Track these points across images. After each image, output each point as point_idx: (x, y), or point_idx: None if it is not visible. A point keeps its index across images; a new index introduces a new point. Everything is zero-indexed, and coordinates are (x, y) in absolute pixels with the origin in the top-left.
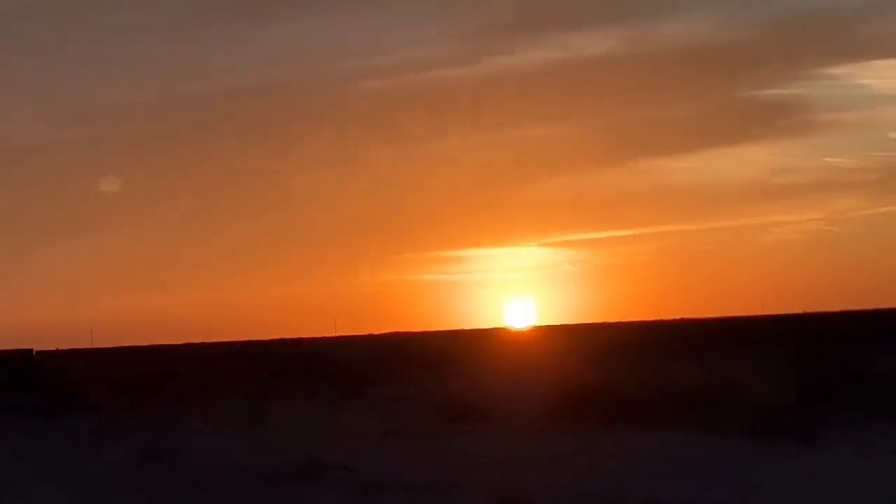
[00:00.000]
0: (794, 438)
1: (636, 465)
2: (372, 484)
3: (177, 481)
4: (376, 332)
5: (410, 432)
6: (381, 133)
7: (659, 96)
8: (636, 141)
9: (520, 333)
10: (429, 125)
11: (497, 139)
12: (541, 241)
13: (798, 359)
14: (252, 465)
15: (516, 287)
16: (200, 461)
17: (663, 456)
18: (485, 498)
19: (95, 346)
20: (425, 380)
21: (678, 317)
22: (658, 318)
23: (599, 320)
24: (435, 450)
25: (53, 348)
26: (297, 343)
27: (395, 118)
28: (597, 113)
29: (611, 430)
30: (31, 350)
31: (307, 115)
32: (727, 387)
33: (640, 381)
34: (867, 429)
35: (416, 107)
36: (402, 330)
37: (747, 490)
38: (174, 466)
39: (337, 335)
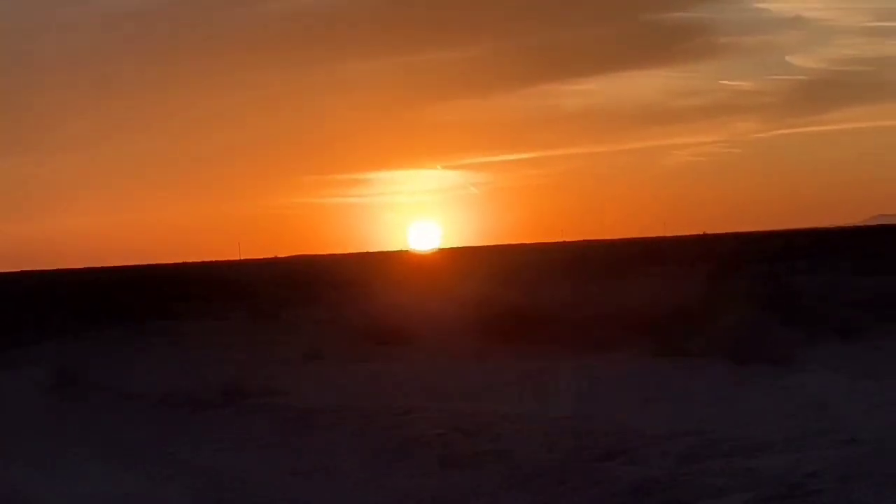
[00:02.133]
0: (769, 361)
1: (597, 391)
2: (304, 410)
3: (95, 408)
4: (281, 254)
5: (334, 356)
6: (285, 56)
7: (562, 19)
8: (539, 64)
9: (425, 256)
10: (333, 48)
11: (401, 62)
12: (445, 163)
13: (731, 280)
14: (171, 391)
15: (420, 209)
16: (117, 387)
17: (623, 380)
18: (442, 427)
19: None
20: (340, 302)
21: (581, 238)
22: (561, 239)
23: (503, 242)
24: (365, 374)
25: None
26: (202, 266)
27: (299, 41)
28: (501, 36)
29: (557, 352)
30: None
31: (214, 38)
32: (678, 308)
33: (567, 302)
34: (837, 349)
35: (321, 29)
36: (307, 252)
37: (731, 414)
38: (89, 393)
39: (241, 258)
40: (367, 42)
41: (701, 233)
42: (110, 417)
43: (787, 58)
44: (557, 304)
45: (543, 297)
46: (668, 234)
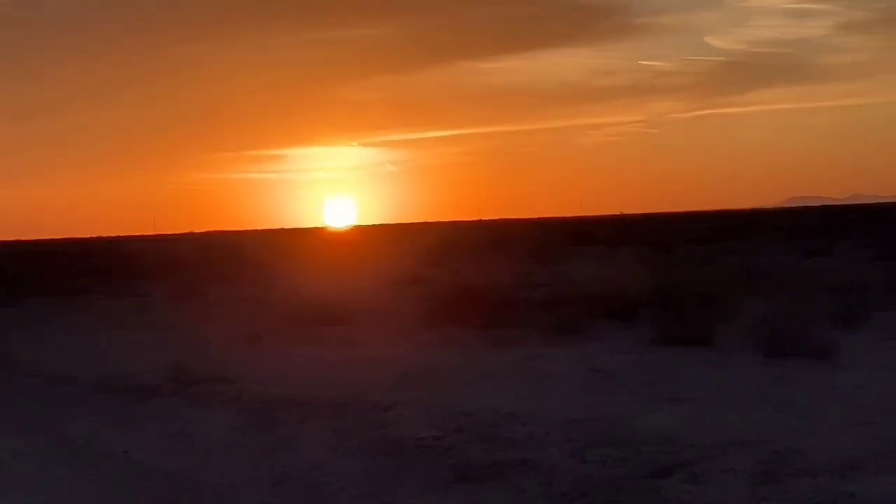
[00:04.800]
0: (807, 355)
1: (606, 386)
2: (265, 401)
3: (18, 395)
4: (196, 230)
5: (275, 337)
6: (201, 31)
7: None
8: (459, 42)
9: (343, 233)
10: (251, 23)
11: (320, 38)
12: (362, 140)
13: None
14: (107, 375)
15: (337, 186)
16: (42, 369)
17: (631, 373)
18: (438, 427)
19: None
20: (265, 280)
21: (499, 217)
22: (479, 218)
23: (421, 220)
24: (318, 359)
25: None
26: (115, 240)
27: (216, 16)
28: (422, 13)
29: (537, 338)
30: None
31: (129, 14)
32: (653, 291)
33: (516, 282)
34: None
35: (239, 5)
36: (223, 228)
37: (785, 420)
38: (11, 377)
39: (156, 233)
40: (286, 17)
41: (619, 213)
42: (40, 405)
43: (706, 38)
44: (505, 283)
45: (485, 277)
46: (586, 213)
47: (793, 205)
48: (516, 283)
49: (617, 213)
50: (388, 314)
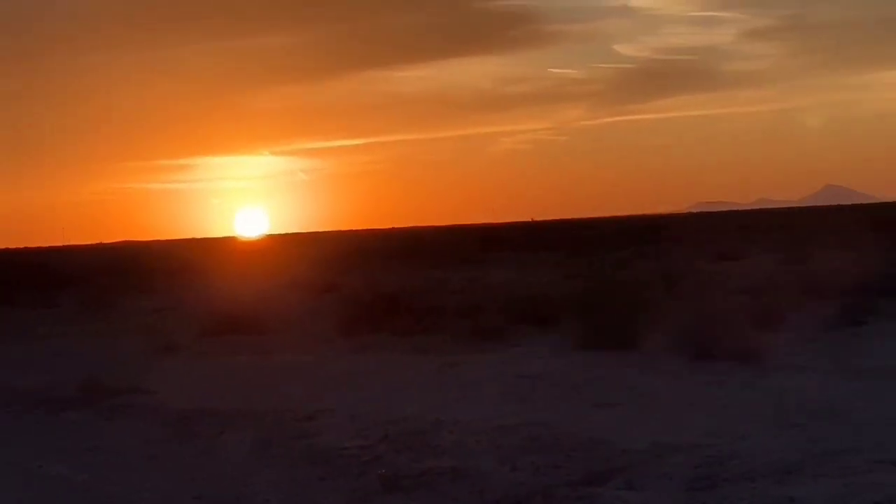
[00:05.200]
0: (734, 357)
1: (532, 391)
2: (183, 412)
3: None
4: (106, 240)
5: (190, 348)
6: (109, 40)
7: (394, 6)
8: (370, 50)
9: (254, 242)
10: (160, 32)
11: (230, 47)
12: (273, 149)
13: (596, 265)
14: (18, 388)
15: (247, 196)
16: None
17: (557, 377)
18: (363, 436)
19: None
20: (177, 290)
21: (412, 225)
22: (392, 226)
23: (333, 229)
24: (235, 369)
25: None
26: (23, 251)
27: (124, 24)
28: (333, 21)
29: (457, 344)
30: None
31: (33, 21)
32: (573, 295)
33: (430, 288)
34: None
35: (146, 13)
36: (133, 239)
37: (719, 424)
38: None
39: (65, 244)
40: (195, 27)
41: (529, 219)
42: None
43: (614, 46)
44: (421, 291)
45: (401, 284)
46: (496, 220)
47: (700, 210)
48: (432, 289)
49: (527, 219)
50: (303, 322)
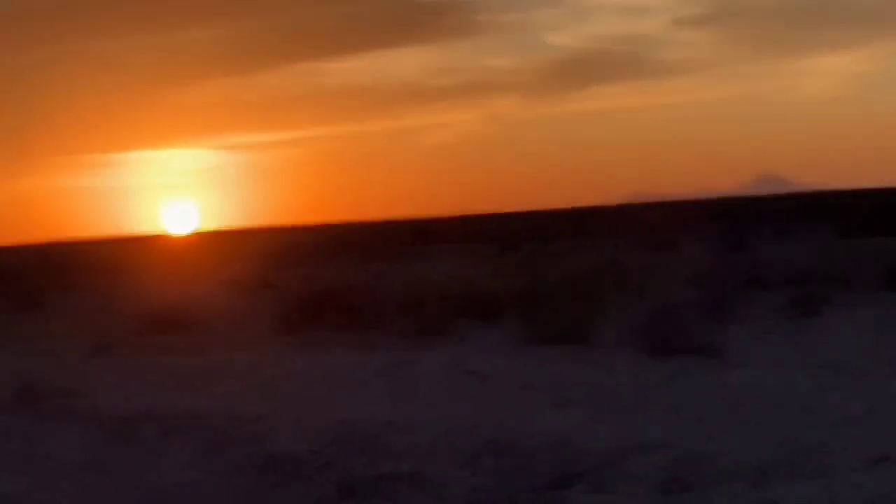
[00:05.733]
0: (689, 351)
1: (484, 389)
2: (120, 416)
3: None
4: (32, 239)
5: (123, 347)
6: (33, 32)
7: None
8: (294, 42)
9: (183, 239)
10: (84, 24)
11: (155, 40)
12: (201, 143)
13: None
14: None
15: (175, 191)
16: None
17: (509, 375)
18: (312, 440)
19: None
20: (107, 288)
21: (343, 219)
22: (323, 220)
23: (263, 224)
24: (171, 370)
25: None
26: None
27: (49, 15)
28: (258, 13)
29: (399, 340)
30: None
31: None
32: (518, 290)
33: (367, 284)
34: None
35: (71, 4)
36: (58, 236)
37: (683, 422)
38: None
39: None
40: (120, 18)
41: (461, 213)
42: None
43: (545, 37)
44: (358, 286)
45: (337, 279)
46: (429, 214)
47: (635, 200)
48: (369, 284)
49: (459, 213)
50: (238, 320)
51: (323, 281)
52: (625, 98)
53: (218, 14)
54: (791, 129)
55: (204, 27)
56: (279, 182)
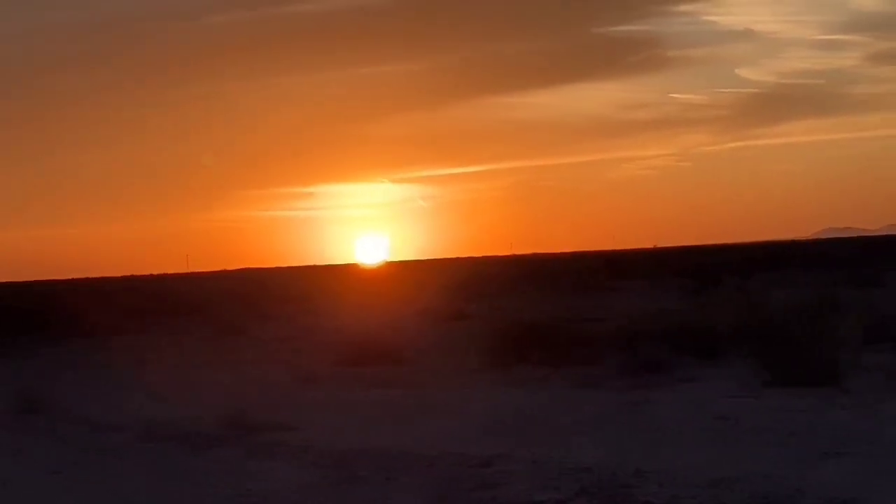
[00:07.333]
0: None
1: (701, 429)
2: (336, 452)
3: (64, 443)
4: (229, 268)
5: (330, 379)
6: (231, 69)
7: (511, 32)
8: (488, 77)
9: (377, 269)
10: (280, 60)
11: (349, 75)
12: (393, 176)
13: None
14: (156, 421)
15: (368, 223)
16: (88, 415)
17: (727, 414)
18: (550, 487)
19: None
20: (306, 317)
21: (531, 252)
22: (511, 252)
23: (453, 255)
24: (382, 403)
25: None
26: (151, 278)
27: (245, 54)
28: (449, 49)
29: (603, 377)
30: None
31: (159, 52)
32: (749, 327)
33: (569, 317)
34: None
35: (268, 42)
36: (254, 266)
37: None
38: (61, 424)
39: (189, 271)
40: (315, 55)
41: (651, 246)
42: (87, 456)
43: (737, 71)
44: (558, 319)
45: (534, 311)
46: (618, 247)
47: (828, 236)
48: (567, 317)
49: (650, 246)
50: (439, 352)
51: (517, 313)
52: (818, 133)
53: (410, 50)
54: None
55: (396, 62)
56: (468, 214)
